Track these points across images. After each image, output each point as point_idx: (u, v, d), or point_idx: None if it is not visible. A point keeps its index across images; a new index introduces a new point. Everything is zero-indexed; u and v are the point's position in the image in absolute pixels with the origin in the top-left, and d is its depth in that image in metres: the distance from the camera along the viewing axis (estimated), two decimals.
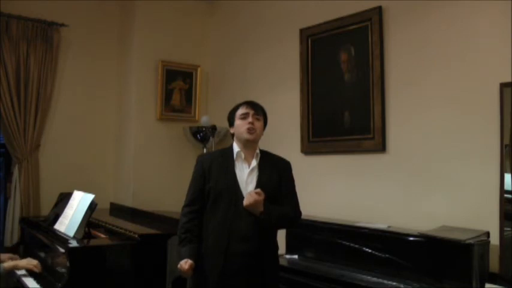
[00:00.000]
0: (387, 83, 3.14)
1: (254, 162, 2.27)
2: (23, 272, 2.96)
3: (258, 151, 2.31)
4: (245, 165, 2.27)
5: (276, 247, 2.32)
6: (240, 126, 2.27)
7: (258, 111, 2.32)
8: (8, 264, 2.90)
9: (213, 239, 2.19)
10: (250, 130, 2.25)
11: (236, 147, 2.30)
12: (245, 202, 2.15)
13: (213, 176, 2.24)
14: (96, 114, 4.55)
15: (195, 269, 2.16)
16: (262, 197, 2.15)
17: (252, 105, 2.32)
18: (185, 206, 2.29)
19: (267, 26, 4.09)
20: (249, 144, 2.28)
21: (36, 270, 2.89)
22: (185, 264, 2.13)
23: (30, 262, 2.95)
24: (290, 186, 2.35)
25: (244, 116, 2.28)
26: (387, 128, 3.12)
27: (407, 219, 2.90)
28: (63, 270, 2.69)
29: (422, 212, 2.87)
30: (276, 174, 2.29)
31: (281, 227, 2.47)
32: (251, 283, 2.17)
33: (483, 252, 2.39)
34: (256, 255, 2.18)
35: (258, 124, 2.29)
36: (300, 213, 2.35)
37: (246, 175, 2.24)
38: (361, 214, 3.16)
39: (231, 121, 2.36)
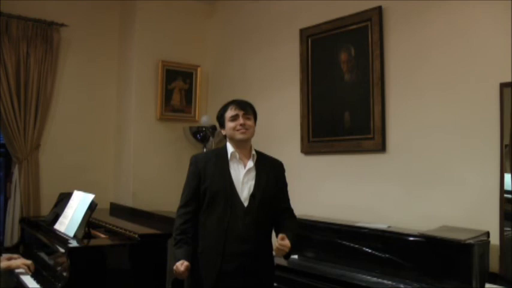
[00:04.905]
0: (387, 83, 3.14)
1: (251, 164, 2.27)
2: (22, 271, 2.96)
3: (254, 152, 2.31)
4: (240, 166, 2.26)
5: (272, 248, 2.33)
6: (232, 127, 2.26)
7: (248, 110, 2.30)
8: (2, 264, 2.91)
9: (210, 240, 2.19)
10: (243, 131, 2.25)
11: (230, 148, 2.29)
12: (280, 254, 2.14)
13: (208, 176, 2.23)
14: (96, 114, 4.55)
15: (191, 270, 2.16)
16: (287, 241, 2.12)
17: (241, 105, 2.30)
18: (180, 207, 2.27)
19: (267, 26, 4.09)
20: (242, 144, 2.28)
21: (29, 270, 2.89)
22: (181, 265, 2.12)
23: (24, 262, 2.95)
24: (286, 187, 2.39)
25: (235, 118, 2.27)
26: (387, 128, 3.12)
27: (407, 219, 2.90)
28: (63, 270, 2.69)
29: (422, 212, 2.87)
30: (273, 175, 2.30)
31: None
32: (248, 284, 2.17)
33: (483, 252, 2.39)
34: (253, 256, 2.18)
35: (250, 123, 2.28)
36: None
37: (242, 176, 2.24)
38: (361, 214, 3.16)
39: (221, 122, 2.36)
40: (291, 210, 2.40)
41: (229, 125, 2.28)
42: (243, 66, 4.34)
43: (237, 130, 2.24)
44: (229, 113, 2.29)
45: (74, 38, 4.37)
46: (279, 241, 2.12)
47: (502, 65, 2.54)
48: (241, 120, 2.25)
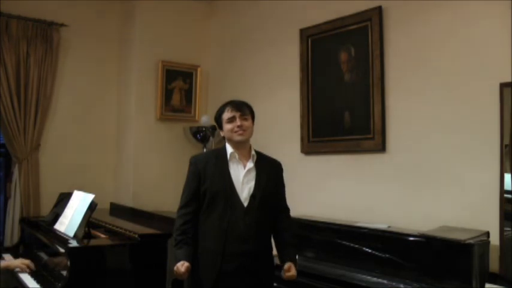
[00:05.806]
0: (387, 83, 3.14)
1: (251, 164, 2.27)
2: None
3: (253, 152, 2.31)
4: (240, 166, 2.27)
5: (271, 247, 2.33)
6: (230, 129, 2.26)
7: (244, 111, 2.30)
8: (2, 264, 2.92)
9: (210, 240, 2.19)
10: (240, 132, 2.25)
11: (229, 148, 2.29)
12: (290, 280, 2.23)
13: (208, 177, 2.23)
14: (96, 114, 4.55)
15: (191, 270, 2.16)
16: (294, 272, 2.22)
17: (237, 106, 2.29)
18: (181, 207, 2.27)
19: (267, 26, 4.09)
20: (241, 145, 2.28)
21: (28, 270, 2.90)
22: (182, 266, 2.12)
23: (23, 262, 2.96)
24: (283, 187, 2.42)
25: (231, 120, 2.26)
26: (387, 128, 3.12)
27: (407, 219, 2.90)
28: (63, 270, 2.69)
29: (422, 212, 2.87)
30: (273, 175, 2.32)
31: None
32: (248, 284, 2.18)
33: (483, 252, 2.39)
34: (253, 256, 2.19)
35: (247, 124, 2.28)
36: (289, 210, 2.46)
37: (242, 176, 2.24)
38: (361, 214, 3.16)
39: (218, 124, 2.36)
40: (287, 210, 2.43)
41: (226, 126, 2.28)
42: (243, 66, 4.34)
43: (235, 132, 2.25)
44: (226, 114, 2.28)
45: (74, 38, 4.37)
46: (287, 273, 2.21)
47: (502, 65, 2.54)
48: (238, 122, 2.25)
